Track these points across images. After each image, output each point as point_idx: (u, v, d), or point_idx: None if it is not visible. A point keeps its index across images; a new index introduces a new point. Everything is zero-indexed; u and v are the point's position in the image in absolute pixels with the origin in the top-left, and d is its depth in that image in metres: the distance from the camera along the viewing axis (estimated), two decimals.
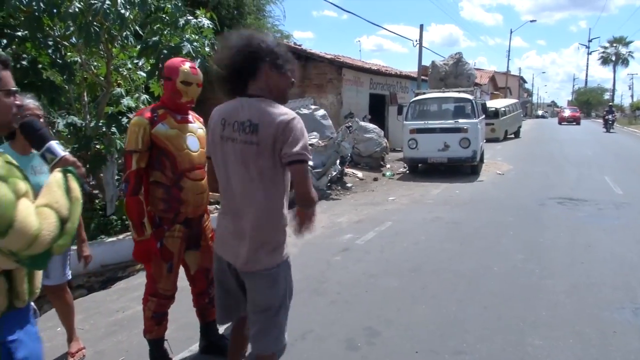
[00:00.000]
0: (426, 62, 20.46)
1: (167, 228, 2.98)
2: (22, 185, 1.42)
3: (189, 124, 3.05)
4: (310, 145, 10.55)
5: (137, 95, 7.01)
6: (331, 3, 23.81)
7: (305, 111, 12.59)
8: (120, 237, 5.92)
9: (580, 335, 3.60)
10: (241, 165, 2.17)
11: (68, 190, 1.54)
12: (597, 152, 17.39)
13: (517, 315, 3.95)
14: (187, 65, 2.95)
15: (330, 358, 3.37)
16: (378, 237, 6.50)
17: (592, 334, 3.61)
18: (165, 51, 6.56)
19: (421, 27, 23.00)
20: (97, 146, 6.33)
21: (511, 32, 59.23)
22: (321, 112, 12.72)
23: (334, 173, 10.03)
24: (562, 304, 4.19)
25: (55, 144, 1.71)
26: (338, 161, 10.12)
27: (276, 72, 2.23)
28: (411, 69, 24.60)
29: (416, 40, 22.76)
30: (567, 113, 45.10)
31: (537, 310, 4.04)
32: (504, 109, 24.35)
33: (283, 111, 2.15)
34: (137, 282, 4.98)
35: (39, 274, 1.63)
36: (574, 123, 41.90)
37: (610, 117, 30.70)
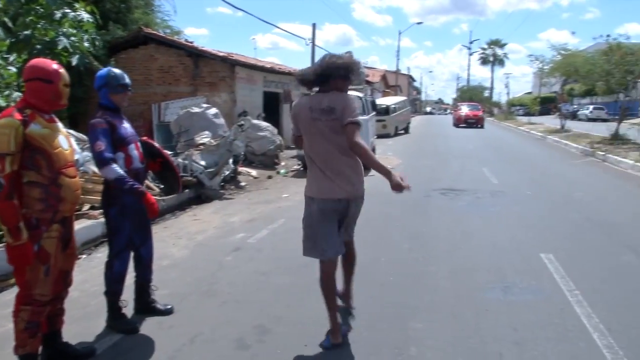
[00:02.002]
0: None
1: (45, 229, 2.91)
2: None
3: (56, 124, 3.06)
4: (202, 144, 10.38)
5: (7, 92, 6.42)
6: (223, 0, 23.47)
7: (196, 110, 12.29)
8: None
9: (457, 316, 3.85)
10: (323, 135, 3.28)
11: None
12: (478, 146, 18.75)
13: (401, 302, 4.14)
14: (63, 70, 3.02)
15: (220, 359, 3.31)
16: (271, 235, 6.50)
17: (467, 314, 3.89)
18: (39, 46, 6.08)
19: (314, 26, 23.49)
20: None
21: (400, 33, 62.01)
22: (213, 110, 12.48)
23: (227, 172, 9.88)
24: (442, 288, 4.46)
25: None
26: (231, 160, 9.97)
27: (342, 79, 3.36)
28: (306, 66, 24.85)
29: (309, 39, 23.16)
30: (465, 111, 34.26)
31: (420, 296, 4.27)
32: (394, 106, 25.48)
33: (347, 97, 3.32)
34: (9, 298, 4.56)
35: None
36: (477, 125, 32.14)
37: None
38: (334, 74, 3.32)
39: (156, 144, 4.11)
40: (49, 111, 3.02)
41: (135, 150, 3.64)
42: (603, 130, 19.66)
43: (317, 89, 3.45)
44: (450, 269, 4.98)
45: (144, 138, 3.92)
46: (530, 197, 8.71)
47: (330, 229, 3.42)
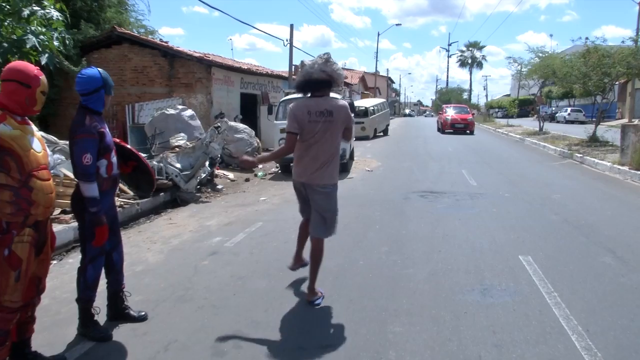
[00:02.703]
0: (299, 61, 20.89)
1: (16, 233, 2.86)
2: None
3: (29, 126, 3.03)
4: (178, 147, 10.30)
5: None
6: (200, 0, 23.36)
7: (171, 111, 12.20)
8: None
9: (436, 319, 3.88)
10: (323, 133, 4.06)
11: None
12: (457, 148, 18.96)
13: (380, 306, 4.16)
14: (43, 76, 3.03)
15: None
16: (248, 238, 6.48)
17: (446, 317, 3.92)
18: (5, 44, 5.95)
19: (291, 26, 23.45)
20: None
21: (379, 34, 62.39)
22: (189, 112, 12.40)
23: (204, 175, 9.81)
24: (420, 291, 4.49)
25: None
26: (207, 163, 9.92)
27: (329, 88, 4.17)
28: (284, 68, 24.93)
29: (287, 40, 23.13)
30: (451, 114, 29.25)
31: (399, 299, 4.29)
32: (373, 108, 25.61)
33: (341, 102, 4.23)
34: None
35: None
36: (466, 132, 27.93)
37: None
38: (324, 83, 4.13)
39: (128, 146, 4.06)
40: (22, 114, 2.99)
41: (115, 157, 3.60)
42: (581, 132, 20.04)
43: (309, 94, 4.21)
44: (429, 271, 5.02)
45: (116, 140, 3.86)
46: (509, 199, 8.84)
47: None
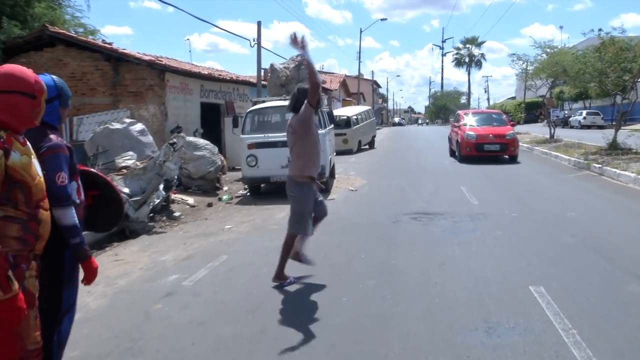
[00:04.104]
0: (269, 64, 20.98)
1: (26, 267, 2.82)
2: None
3: (28, 146, 2.91)
4: (126, 168, 10.21)
5: None
6: None
7: (117, 126, 12.13)
8: None
9: None
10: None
11: None
12: (454, 161, 19.14)
13: (368, 351, 4.14)
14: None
15: None
16: (211, 275, 6.43)
17: None
18: None
19: (259, 24, 23.52)
20: None
21: (361, 31, 62.95)
22: (138, 126, 12.34)
23: (157, 201, 9.73)
24: (414, 331, 4.48)
25: None
26: (162, 186, 9.85)
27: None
28: (252, 72, 25.08)
29: (254, 40, 23.16)
30: (476, 126, 19.91)
31: (389, 342, 4.27)
32: (356, 117, 25.80)
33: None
34: None
35: None
36: (506, 157, 18.95)
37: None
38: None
39: (92, 170, 3.94)
40: (23, 131, 2.88)
41: (80, 179, 3.47)
42: (599, 138, 20.33)
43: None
44: (424, 307, 5.01)
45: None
46: (517, 220, 8.92)
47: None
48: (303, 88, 5.91)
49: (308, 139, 5.87)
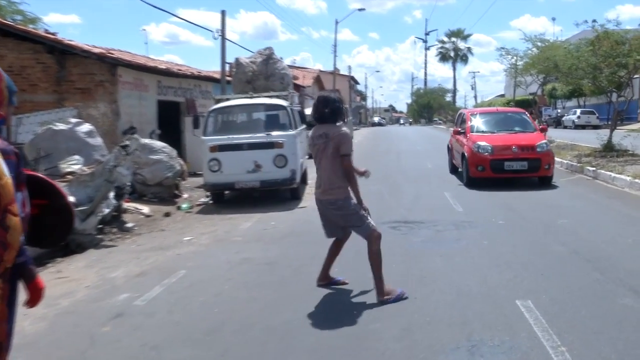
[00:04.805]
0: (234, 58, 20.91)
1: None
2: None
3: None
4: (71, 173, 10.10)
5: None
6: None
7: (62, 126, 11.99)
8: None
9: None
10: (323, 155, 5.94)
11: None
12: (438, 164, 19.28)
13: None
14: None
15: None
16: (166, 293, 6.38)
17: None
18: None
19: (223, 13, 23.40)
20: None
21: (337, 23, 63.20)
22: (86, 127, 12.22)
23: (107, 210, 9.62)
24: (391, 352, 4.50)
25: None
26: (112, 194, 9.75)
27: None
28: (216, 67, 24.92)
29: (218, 31, 23.03)
30: (491, 132, 15.20)
31: None
32: None
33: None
34: None
35: None
36: (533, 175, 14.23)
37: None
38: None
39: (41, 175, 3.85)
40: None
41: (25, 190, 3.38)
42: (593, 139, 20.59)
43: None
44: (402, 325, 5.03)
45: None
46: (504, 228, 9.04)
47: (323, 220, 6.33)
48: (336, 103, 6.00)
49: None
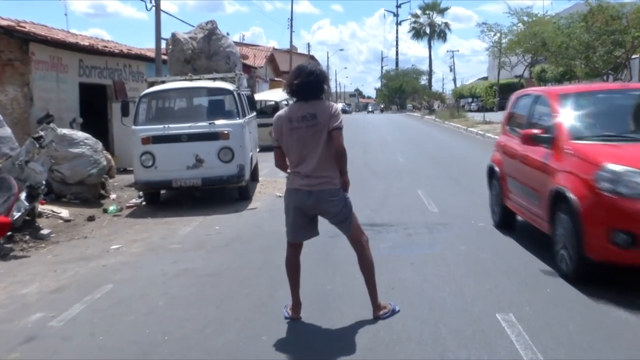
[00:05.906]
0: (170, 34, 20.76)
1: None
2: None
3: None
4: None
5: None
6: None
7: None
8: None
9: None
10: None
11: None
12: (411, 158, 19.52)
13: None
14: None
15: None
16: (88, 311, 6.32)
17: None
18: None
19: None
20: None
21: None
22: None
23: (17, 214, 9.48)
24: None
25: None
26: (24, 194, 9.61)
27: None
28: (149, 44, 24.76)
29: (152, 1, 22.86)
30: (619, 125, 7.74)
31: None
32: (286, 102, 25.81)
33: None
34: None
35: None
36: None
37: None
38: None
39: None
40: None
41: None
42: None
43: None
44: (365, 344, 5.06)
45: None
46: (484, 231, 9.17)
47: (293, 218, 5.92)
48: (324, 72, 5.92)
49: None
